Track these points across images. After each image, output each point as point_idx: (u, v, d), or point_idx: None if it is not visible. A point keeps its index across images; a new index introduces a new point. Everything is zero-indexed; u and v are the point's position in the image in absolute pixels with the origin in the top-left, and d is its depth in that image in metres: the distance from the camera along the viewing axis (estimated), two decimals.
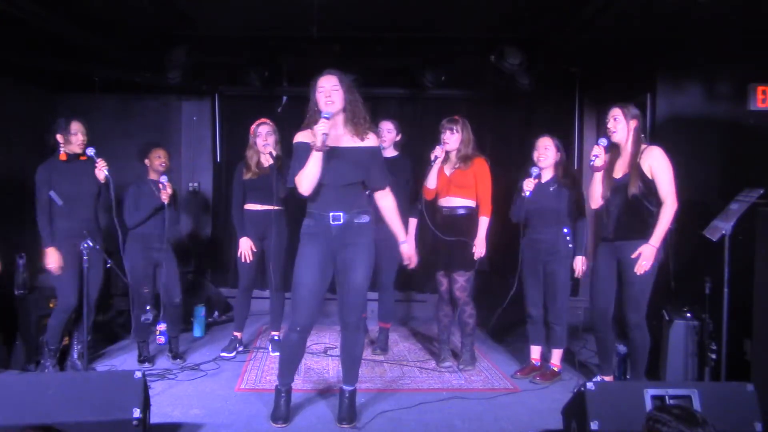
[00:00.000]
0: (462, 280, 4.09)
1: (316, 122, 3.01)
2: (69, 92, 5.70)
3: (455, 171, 4.11)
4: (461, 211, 4.12)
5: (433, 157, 4.08)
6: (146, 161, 4.30)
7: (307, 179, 3.04)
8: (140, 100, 6.02)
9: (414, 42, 5.05)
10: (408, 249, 3.33)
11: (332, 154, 3.07)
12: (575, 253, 3.94)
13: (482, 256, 4.07)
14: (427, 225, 4.17)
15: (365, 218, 3.17)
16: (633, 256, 3.45)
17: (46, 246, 3.81)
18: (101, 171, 3.84)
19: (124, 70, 5.36)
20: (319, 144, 2.95)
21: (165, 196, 4.14)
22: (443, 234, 4.04)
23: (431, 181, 4.13)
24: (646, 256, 3.43)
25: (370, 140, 3.17)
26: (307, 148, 3.03)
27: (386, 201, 3.29)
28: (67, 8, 4.03)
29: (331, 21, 4.28)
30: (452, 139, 4.09)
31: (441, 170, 4.14)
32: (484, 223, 4.09)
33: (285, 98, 5.79)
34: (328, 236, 3.12)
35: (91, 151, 3.85)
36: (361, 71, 5.18)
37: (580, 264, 3.93)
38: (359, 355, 3.33)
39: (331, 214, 3.10)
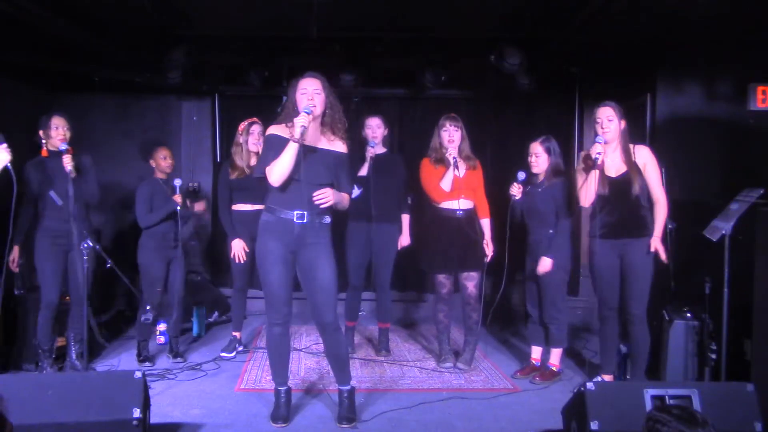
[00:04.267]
0: (478, 276, 4.13)
1: (292, 118, 3.06)
2: (69, 92, 5.70)
3: (467, 173, 4.12)
4: (470, 213, 4.16)
5: (452, 159, 4.01)
6: (151, 162, 4.30)
7: (280, 170, 3.04)
8: (140, 100, 6.02)
9: (414, 42, 5.04)
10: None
11: (308, 152, 3.09)
12: (545, 252, 3.89)
13: (493, 254, 4.13)
14: (430, 225, 4.17)
15: (327, 219, 3.20)
16: (651, 250, 3.54)
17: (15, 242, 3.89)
18: (66, 166, 3.81)
19: (124, 70, 5.35)
20: (297, 135, 2.98)
21: (179, 198, 4.16)
22: (456, 236, 4.03)
23: (448, 184, 4.05)
24: (660, 249, 3.55)
25: (342, 146, 3.23)
26: (280, 140, 3.07)
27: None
28: (67, 8, 4.03)
29: (331, 21, 4.28)
30: (457, 135, 4.09)
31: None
32: (488, 224, 4.18)
33: (285, 98, 5.76)
34: (289, 234, 3.12)
35: (63, 146, 3.81)
36: (361, 71, 5.23)
37: (544, 264, 3.87)
38: (345, 353, 3.33)
39: (295, 212, 3.11)
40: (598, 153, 3.50)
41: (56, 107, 4.34)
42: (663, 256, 3.57)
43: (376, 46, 5.07)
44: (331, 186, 3.17)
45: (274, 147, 3.08)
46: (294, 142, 3.00)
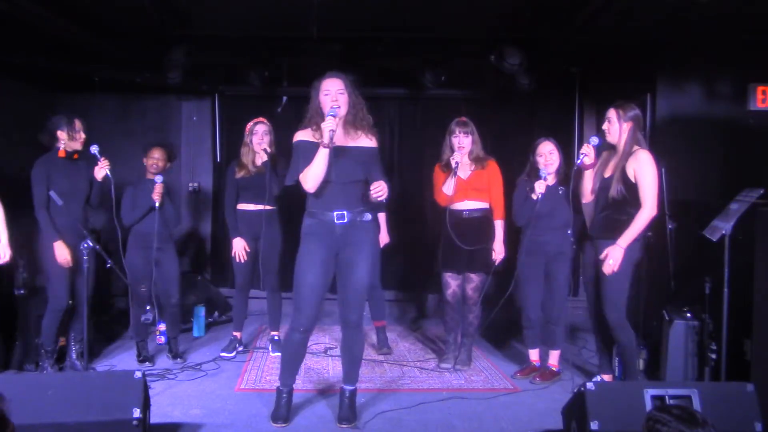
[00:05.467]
0: (478, 280, 4.11)
1: (317, 122, 3.06)
2: (69, 92, 5.70)
3: (473, 174, 4.10)
4: (479, 214, 4.11)
5: (454, 164, 3.98)
6: (144, 160, 4.30)
7: (313, 176, 3.05)
8: (140, 100, 6.02)
9: (414, 42, 5.04)
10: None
11: (337, 152, 3.09)
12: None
13: (502, 258, 4.11)
14: (442, 227, 4.16)
15: (368, 216, 3.19)
16: (601, 256, 3.47)
17: (53, 240, 3.78)
18: (102, 170, 3.83)
19: (124, 70, 5.36)
20: (326, 141, 2.97)
21: (156, 195, 4.12)
22: (463, 238, 3.99)
23: (449, 188, 4.04)
24: (612, 256, 3.43)
25: (371, 141, 3.22)
26: (309, 146, 3.07)
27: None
28: (67, 8, 4.03)
29: (331, 21, 4.28)
30: (466, 141, 4.07)
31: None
32: (500, 226, 4.14)
33: (285, 98, 5.79)
34: (331, 235, 3.13)
35: (95, 149, 3.83)
36: (361, 71, 5.21)
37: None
38: (359, 354, 3.33)
39: (335, 212, 3.12)
40: (582, 153, 3.52)
41: (56, 107, 4.34)
42: (608, 267, 3.42)
43: (376, 46, 5.08)
44: (365, 182, 3.16)
45: (304, 154, 3.10)
46: (324, 147, 2.99)
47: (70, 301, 3.99)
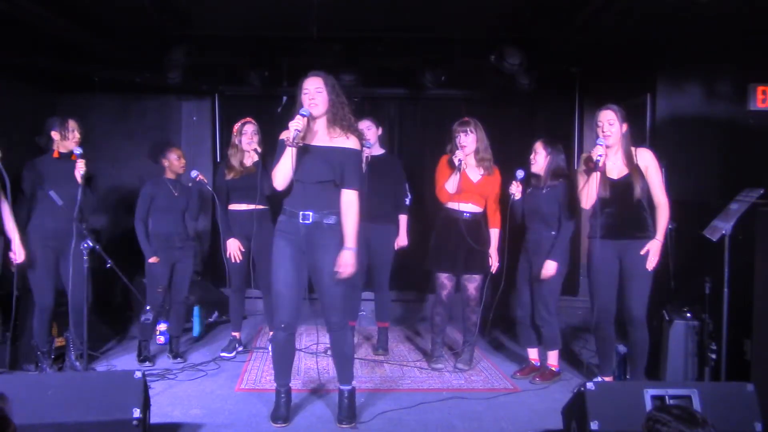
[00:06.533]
0: (480, 278, 4.14)
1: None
2: (69, 92, 5.70)
3: (483, 179, 4.11)
4: (479, 217, 4.15)
5: (457, 162, 3.98)
6: (164, 161, 4.30)
7: (279, 173, 3.10)
8: (140, 100, 6.02)
9: (414, 42, 5.05)
10: (348, 256, 3.08)
11: (307, 152, 3.11)
12: (549, 255, 3.87)
13: (498, 266, 4.14)
14: (439, 224, 4.19)
15: (332, 219, 3.14)
16: (642, 252, 3.54)
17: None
18: (78, 171, 3.81)
19: (124, 70, 5.36)
20: (290, 139, 2.99)
21: (154, 260, 4.18)
22: (461, 238, 4.01)
23: (453, 186, 4.03)
24: (655, 251, 3.54)
25: (349, 142, 3.16)
26: (283, 145, 3.09)
27: (348, 202, 3.14)
28: (67, 8, 4.04)
29: (331, 21, 4.28)
30: (468, 140, 4.07)
31: (465, 175, 4.07)
32: (496, 234, 4.17)
33: (285, 98, 5.79)
34: (298, 234, 3.14)
35: (78, 151, 3.81)
36: (361, 71, 5.24)
37: (549, 268, 3.86)
38: (350, 353, 3.33)
39: (301, 212, 3.12)
40: (600, 155, 3.51)
41: (57, 107, 4.35)
42: (652, 262, 3.54)
43: (376, 46, 5.08)
44: (333, 183, 3.15)
45: (278, 151, 3.13)
46: (288, 145, 3.01)
47: (69, 297, 3.99)
